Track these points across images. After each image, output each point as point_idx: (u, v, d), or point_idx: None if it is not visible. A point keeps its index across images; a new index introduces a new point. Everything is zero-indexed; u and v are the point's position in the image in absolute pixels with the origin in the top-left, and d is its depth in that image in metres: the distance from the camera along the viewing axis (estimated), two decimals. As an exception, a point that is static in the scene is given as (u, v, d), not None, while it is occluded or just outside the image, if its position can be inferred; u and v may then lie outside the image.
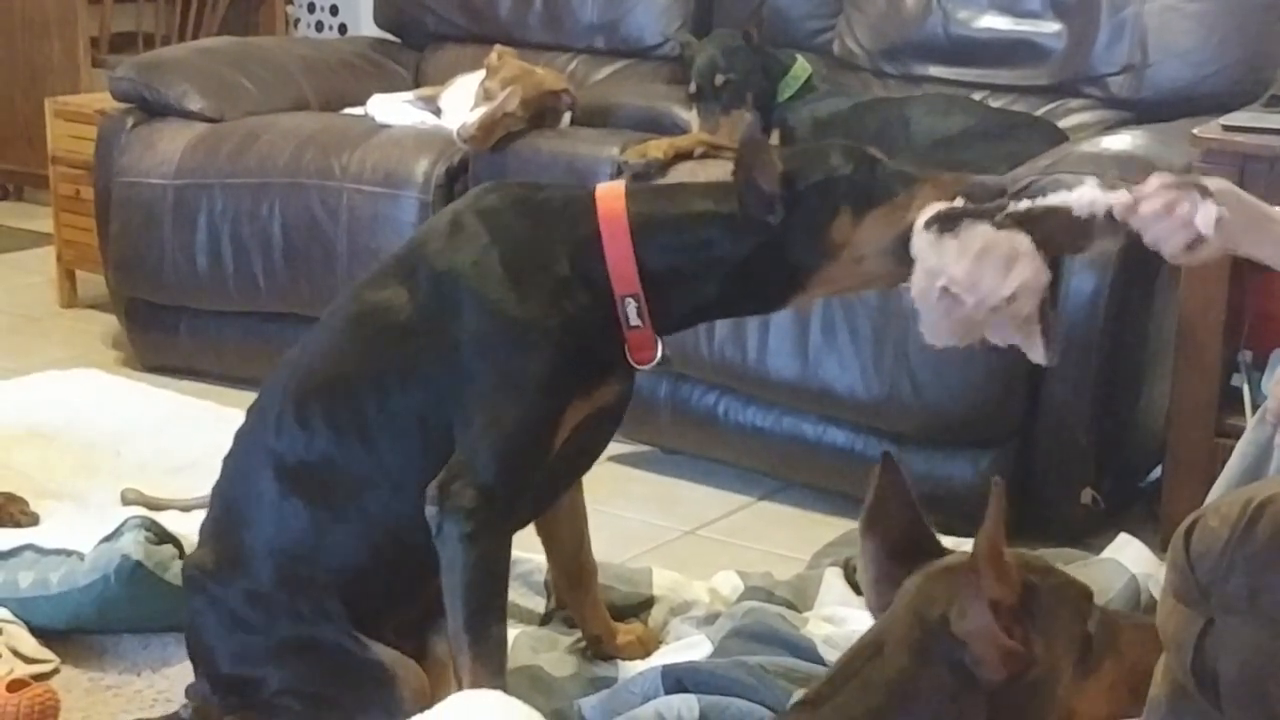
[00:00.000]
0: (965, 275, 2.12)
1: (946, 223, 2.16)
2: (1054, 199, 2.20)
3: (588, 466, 2.49)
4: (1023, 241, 2.14)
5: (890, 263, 2.23)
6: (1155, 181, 2.12)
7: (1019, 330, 2.18)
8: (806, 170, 2.26)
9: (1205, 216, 2.08)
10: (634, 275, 2.25)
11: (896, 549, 1.79)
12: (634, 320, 2.26)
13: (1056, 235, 2.17)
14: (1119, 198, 2.13)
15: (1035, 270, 2.13)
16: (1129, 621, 1.79)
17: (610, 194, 2.31)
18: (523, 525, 2.42)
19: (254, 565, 2.34)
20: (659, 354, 2.30)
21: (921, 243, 2.17)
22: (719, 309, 2.40)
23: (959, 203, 2.20)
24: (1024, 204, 2.21)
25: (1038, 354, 2.20)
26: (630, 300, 2.25)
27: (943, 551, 1.79)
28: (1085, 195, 2.16)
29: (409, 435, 2.27)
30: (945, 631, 1.63)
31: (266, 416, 2.37)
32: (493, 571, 2.27)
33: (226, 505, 2.41)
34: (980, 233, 2.14)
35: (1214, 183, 2.13)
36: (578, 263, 2.26)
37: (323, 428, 2.31)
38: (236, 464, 2.42)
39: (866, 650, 1.70)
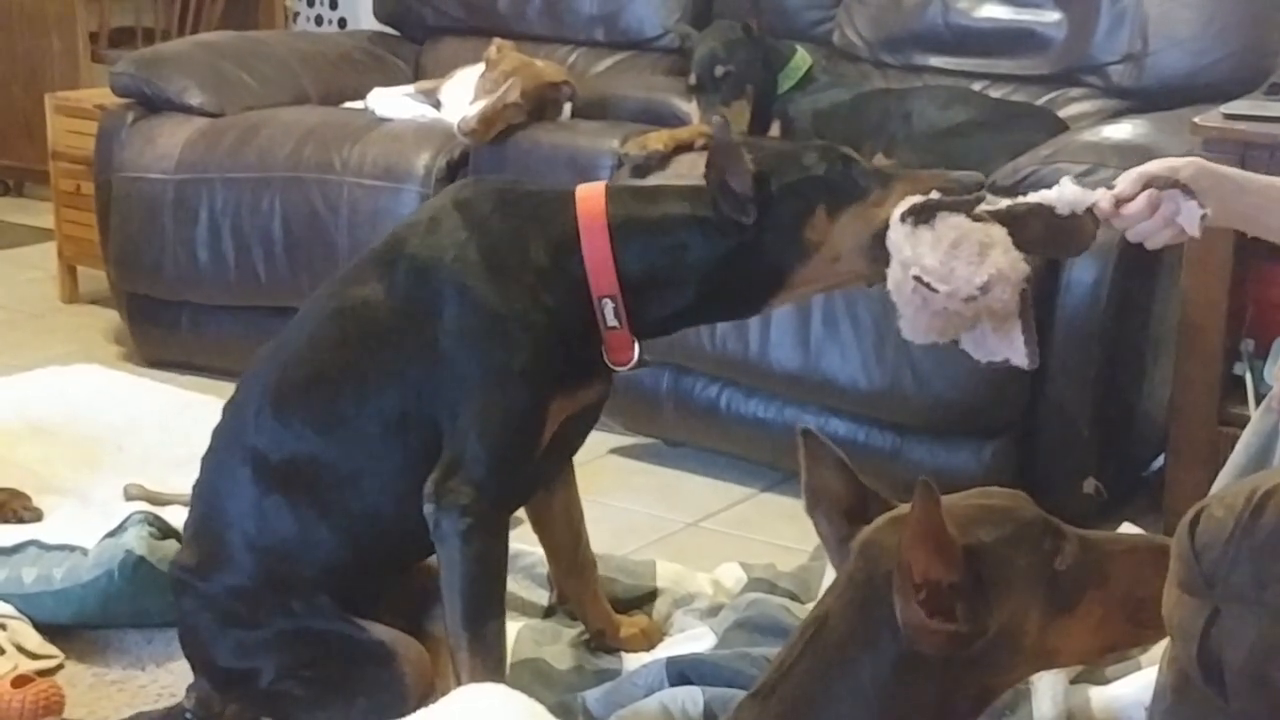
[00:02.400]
0: (938, 264, 2.10)
1: (921, 214, 2.14)
2: (1034, 197, 2.19)
3: (566, 460, 2.50)
4: (997, 232, 2.13)
5: (867, 260, 2.23)
6: (1131, 179, 2.12)
7: (997, 329, 2.16)
8: (780, 170, 2.26)
9: (1190, 217, 2.09)
10: (612, 277, 2.25)
11: (850, 515, 1.78)
12: (611, 321, 2.27)
13: (1038, 234, 2.16)
14: (1100, 197, 2.13)
15: (1010, 260, 2.11)
16: (1120, 548, 1.74)
17: (590, 194, 2.31)
18: (510, 515, 2.42)
19: (237, 563, 2.34)
20: (636, 356, 2.31)
21: (896, 235, 2.15)
22: (698, 313, 2.39)
23: (935, 196, 2.18)
24: (1004, 202, 2.20)
25: (1019, 356, 2.18)
26: (608, 301, 2.26)
27: (889, 507, 1.77)
28: (1066, 193, 2.16)
29: (389, 432, 2.27)
30: (891, 589, 1.60)
31: (245, 413, 2.36)
32: (491, 566, 2.27)
33: (207, 504, 2.41)
34: (955, 223, 2.13)
35: (1186, 168, 2.13)
36: (556, 260, 2.26)
37: (302, 425, 2.30)
38: (216, 462, 2.41)
39: (812, 626, 1.69)
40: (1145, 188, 2.11)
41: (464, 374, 2.23)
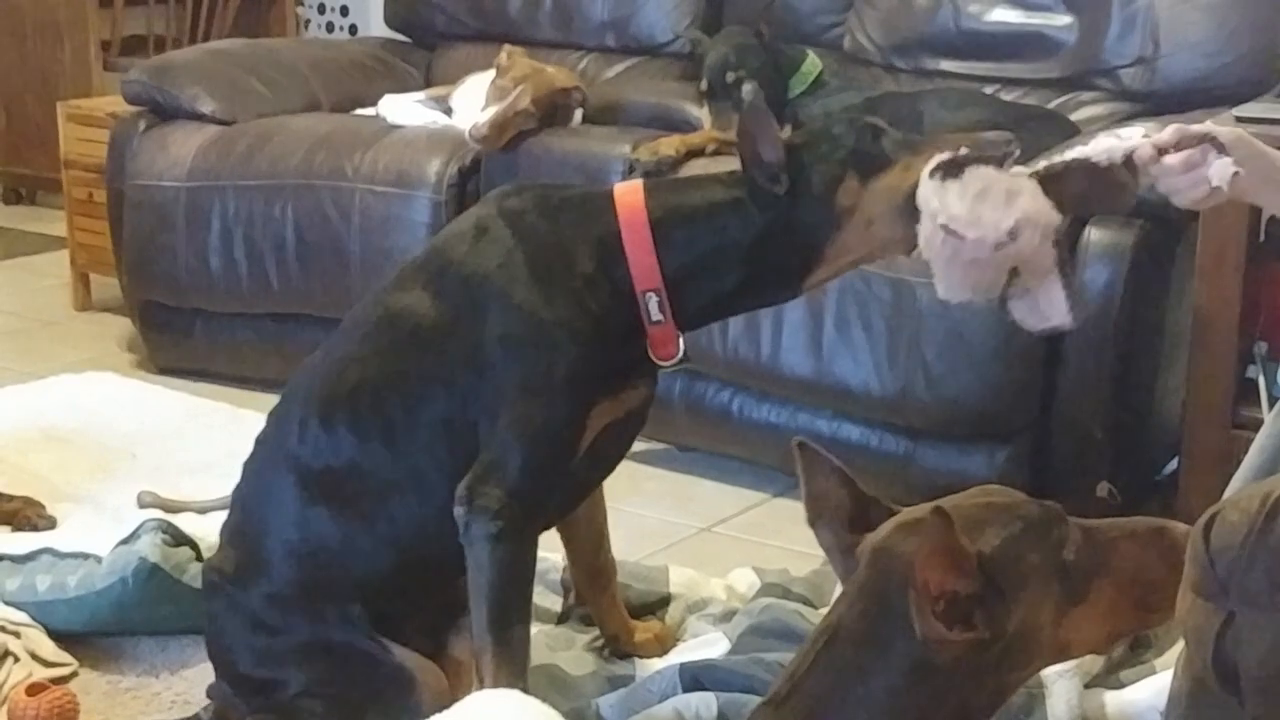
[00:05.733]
0: (965, 212, 2.10)
1: (951, 169, 2.14)
2: (1070, 153, 2.20)
3: (610, 470, 2.48)
4: (1026, 182, 2.13)
5: (901, 224, 2.22)
6: (1172, 130, 2.13)
7: (1037, 287, 2.15)
8: (811, 142, 2.28)
9: (1222, 172, 2.09)
10: (655, 270, 2.26)
11: (853, 524, 1.78)
12: (655, 315, 2.27)
13: (1080, 189, 2.15)
14: (1140, 144, 2.13)
15: (1039, 206, 2.11)
16: (1121, 532, 1.74)
17: (629, 191, 2.32)
18: (548, 527, 2.42)
19: (275, 570, 2.33)
20: (681, 351, 2.31)
21: (925, 190, 2.15)
22: (739, 299, 2.37)
23: (964, 152, 2.18)
24: (1041, 163, 2.20)
25: (1061, 311, 2.17)
26: (652, 295, 2.26)
27: (891, 513, 1.77)
28: (1102, 143, 2.16)
29: (435, 439, 2.27)
30: (905, 597, 1.59)
31: (289, 423, 2.36)
32: (518, 572, 2.26)
33: (247, 511, 2.40)
34: (982, 174, 2.13)
35: (1228, 133, 2.14)
36: (600, 261, 2.26)
37: (348, 434, 2.30)
38: (258, 470, 2.41)
39: (825, 634, 1.68)
40: (1183, 139, 2.12)
41: (507, 380, 2.22)
